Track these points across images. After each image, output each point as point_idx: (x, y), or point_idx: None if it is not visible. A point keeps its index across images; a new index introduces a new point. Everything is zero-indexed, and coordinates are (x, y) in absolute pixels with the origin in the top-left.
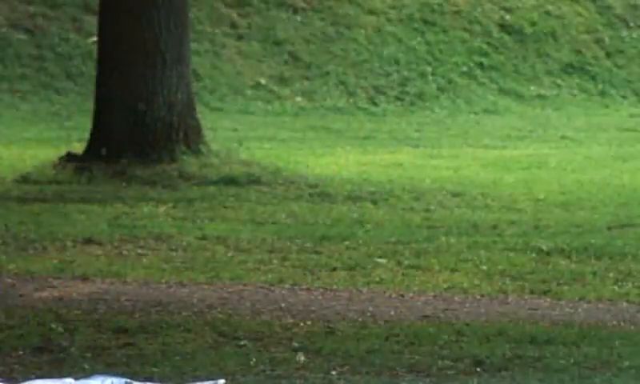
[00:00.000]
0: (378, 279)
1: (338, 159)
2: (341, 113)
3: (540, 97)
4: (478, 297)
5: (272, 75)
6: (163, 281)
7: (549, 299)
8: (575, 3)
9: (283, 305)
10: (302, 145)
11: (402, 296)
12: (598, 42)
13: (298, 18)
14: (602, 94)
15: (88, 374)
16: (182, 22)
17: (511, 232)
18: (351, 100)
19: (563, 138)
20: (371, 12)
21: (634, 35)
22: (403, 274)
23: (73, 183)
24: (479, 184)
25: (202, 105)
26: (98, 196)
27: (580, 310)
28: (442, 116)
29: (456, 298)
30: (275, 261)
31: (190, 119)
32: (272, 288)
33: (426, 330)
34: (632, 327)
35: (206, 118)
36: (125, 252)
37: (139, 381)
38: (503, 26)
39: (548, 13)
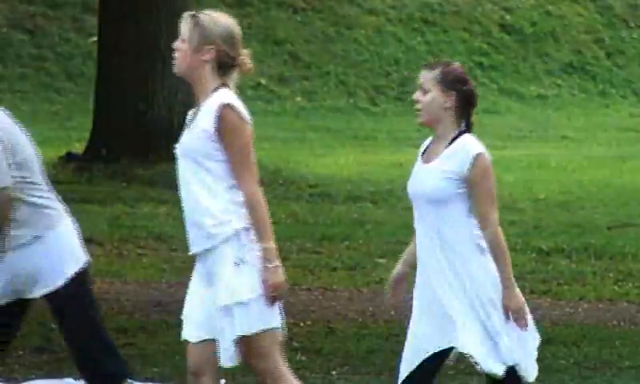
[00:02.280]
0: (377, 279)
1: (338, 159)
2: (341, 113)
3: (540, 97)
4: None
5: (272, 75)
6: (163, 281)
7: (549, 299)
8: (575, 3)
9: (283, 305)
10: (302, 145)
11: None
12: (598, 42)
13: (298, 18)
14: (602, 94)
15: None
16: None
17: (511, 232)
18: (351, 100)
19: (563, 137)
20: (371, 12)
21: (634, 35)
22: None
23: (73, 183)
24: None
25: None
26: (98, 196)
27: (580, 309)
28: None
29: None
30: None
31: None
32: None
33: None
34: (632, 327)
35: None
36: (125, 252)
37: (139, 381)
38: (503, 26)
39: (548, 13)
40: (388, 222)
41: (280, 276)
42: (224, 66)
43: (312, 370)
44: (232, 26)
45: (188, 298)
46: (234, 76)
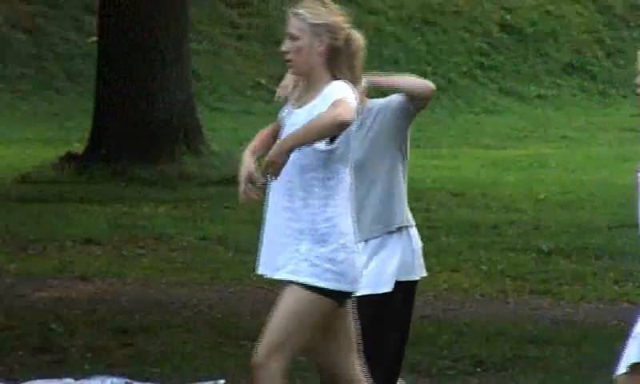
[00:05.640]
0: None
1: None
2: None
3: (540, 97)
4: (478, 297)
5: (272, 75)
6: (163, 281)
7: (549, 299)
8: (575, 3)
9: None
10: None
11: None
12: (598, 42)
13: None
14: (602, 94)
15: (88, 374)
16: (181, 21)
17: (511, 232)
18: None
19: (563, 137)
20: (371, 12)
21: (634, 35)
22: None
23: (73, 183)
24: (479, 184)
25: (202, 105)
26: (97, 196)
27: (580, 310)
28: (443, 116)
29: (456, 298)
30: None
31: (189, 119)
32: (272, 288)
33: (425, 330)
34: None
35: (206, 118)
36: (125, 252)
37: (139, 381)
38: (503, 26)
39: (548, 13)
40: None
41: None
42: None
43: (312, 370)
44: None
45: None
46: None
